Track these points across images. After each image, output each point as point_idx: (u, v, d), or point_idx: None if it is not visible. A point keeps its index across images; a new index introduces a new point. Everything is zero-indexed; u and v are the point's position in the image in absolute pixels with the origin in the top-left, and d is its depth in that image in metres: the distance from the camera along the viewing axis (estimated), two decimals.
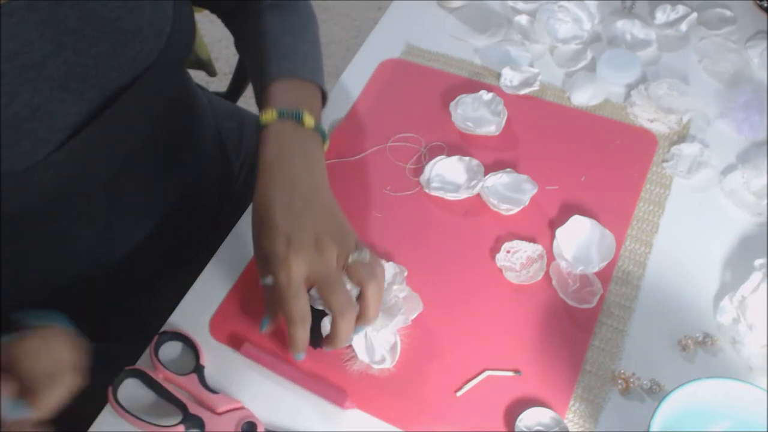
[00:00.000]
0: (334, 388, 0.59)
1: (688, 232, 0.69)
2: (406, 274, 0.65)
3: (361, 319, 0.58)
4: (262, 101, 0.67)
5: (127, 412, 0.58)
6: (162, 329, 0.64)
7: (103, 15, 0.57)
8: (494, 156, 0.75)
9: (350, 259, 0.57)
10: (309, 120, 0.63)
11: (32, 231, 0.64)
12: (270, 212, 0.58)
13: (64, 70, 0.55)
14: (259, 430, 0.57)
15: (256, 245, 0.60)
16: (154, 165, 0.70)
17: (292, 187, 0.60)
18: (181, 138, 0.73)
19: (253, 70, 0.73)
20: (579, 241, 0.67)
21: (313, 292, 0.64)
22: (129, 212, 0.69)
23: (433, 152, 0.75)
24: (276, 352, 0.63)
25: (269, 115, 0.63)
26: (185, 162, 0.75)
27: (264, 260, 0.58)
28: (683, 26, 0.85)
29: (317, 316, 0.63)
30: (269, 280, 0.57)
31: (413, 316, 0.63)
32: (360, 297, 0.57)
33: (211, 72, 1.16)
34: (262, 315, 0.65)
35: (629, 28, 0.85)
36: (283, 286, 0.55)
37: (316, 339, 0.62)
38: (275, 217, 0.58)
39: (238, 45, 0.80)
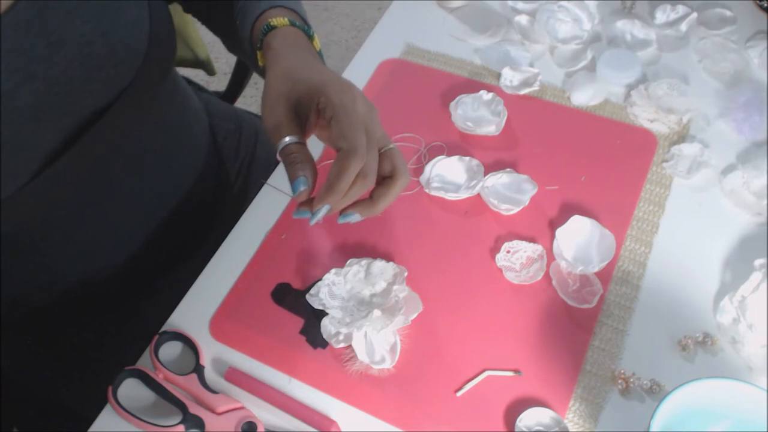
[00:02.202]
0: (320, 415, 0.59)
1: (688, 232, 0.69)
2: (406, 274, 0.65)
3: (370, 205, 0.56)
4: (257, 24, 0.63)
5: (127, 412, 0.58)
6: (162, 329, 0.64)
7: (74, 41, 0.54)
8: (494, 156, 0.75)
9: (391, 145, 0.55)
10: (317, 42, 0.62)
11: (20, 248, 0.63)
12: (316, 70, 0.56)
13: (35, 100, 0.53)
14: (259, 430, 0.57)
15: (279, 105, 0.56)
16: (143, 178, 0.68)
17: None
18: (171, 147, 0.72)
19: (241, 17, 0.68)
20: (579, 241, 0.67)
21: (313, 290, 0.64)
22: (120, 225, 0.69)
23: (433, 152, 0.75)
24: (263, 375, 0.62)
25: (280, 21, 0.60)
26: (177, 171, 0.74)
27: (291, 119, 0.55)
28: (683, 26, 0.85)
29: (317, 316, 0.63)
30: (291, 138, 0.54)
31: (413, 316, 0.63)
32: (381, 184, 0.56)
33: (210, 71, 1.16)
34: (261, 315, 0.65)
35: (629, 28, 0.85)
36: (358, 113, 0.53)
37: (317, 339, 0.63)
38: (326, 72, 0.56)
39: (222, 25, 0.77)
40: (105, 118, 0.57)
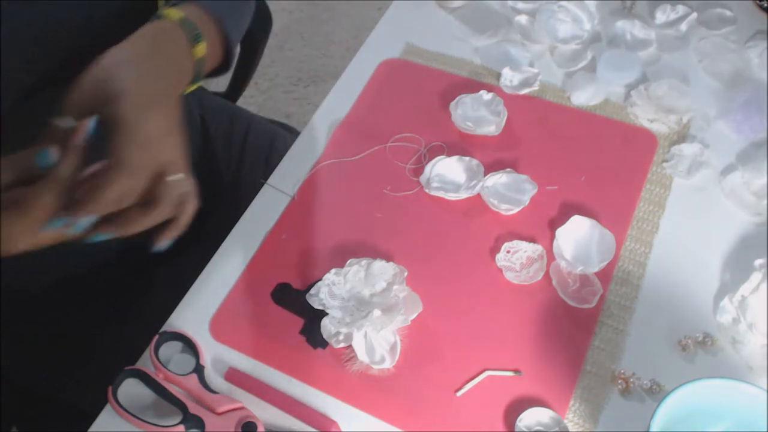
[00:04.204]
0: (320, 415, 0.59)
1: (688, 232, 0.69)
2: (406, 274, 0.65)
3: (121, 225, 0.53)
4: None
5: (127, 412, 0.58)
6: (162, 329, 0.64)
7: None
8: (494, 156, 0.75)
9: (174, 177, 0.53)
10: (201, 48, 0.59)
11: None
12: (119, 78, 0.53)
13: (33, 25, 0.54)
14: (259, 430, 0.57)
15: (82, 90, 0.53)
16: None
17: (154, 76, 0.55)
18: None
19: None
20: (579, 241, 0.67)
21: (313, 290, 0.64)
22: None
23: (433, 152, 0.75)
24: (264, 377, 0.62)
25: (174, 13, 0.58)
26: None
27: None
28: (683, 26, 0.85)
29: (317, 316, 0.63)
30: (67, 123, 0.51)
31: (413, 316, 0.63)
32: (141, 206, 0.53)
33: None
34: (261, 315, 0.65)
35: (629, 28, 0.85)
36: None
37: (317, 339, 0.63)
38: (125, 85, 0.52)
39: None
40: (88, 55, 0.56)
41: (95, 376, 0.65)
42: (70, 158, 0.48)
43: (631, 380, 0.59)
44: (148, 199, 0.53)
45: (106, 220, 0.53)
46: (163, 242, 0.56)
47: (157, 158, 0.53)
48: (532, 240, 0.68)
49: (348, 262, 0.66)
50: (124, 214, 0.53)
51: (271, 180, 0.75)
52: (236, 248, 0.70)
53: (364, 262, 0.65)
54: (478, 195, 0.71)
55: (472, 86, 0.81)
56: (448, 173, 0.73)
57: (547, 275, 0.66)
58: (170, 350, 0.63)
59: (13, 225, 0.47)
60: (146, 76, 0.54)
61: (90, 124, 0.49)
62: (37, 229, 0.48)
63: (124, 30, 0.60)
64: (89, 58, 0.58)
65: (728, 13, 0.86)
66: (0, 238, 0.47)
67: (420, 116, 0.79)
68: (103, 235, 0.54)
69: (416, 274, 0.66)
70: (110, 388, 0.58)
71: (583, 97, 0.79)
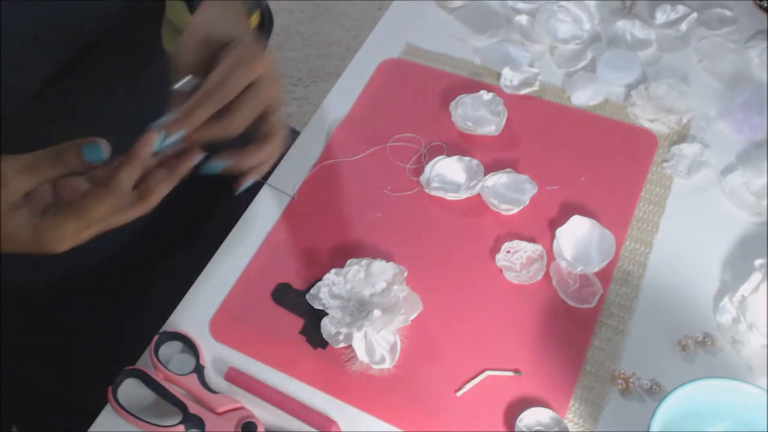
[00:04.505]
0: (320, 416, 0.59)
1: (688, 232, 0.69)
2: (406, 274, 0.65)
3: (239, 156, 0.55)
4: None
5: (127, 412, 0.58)
6: (162, 329, 0.64)
7: None
8: (494, 156, 0.75)
9: (281, 118, 0.56)
10: (254, 19, 0.65)
11: None
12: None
13: (34, 24, 0.53)
14: (259, 430, 0.57)
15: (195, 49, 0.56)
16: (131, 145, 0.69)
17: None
18: (160, 112, 0.72)
19: None
20: (579, 241, 0.67)
21: (313, 290, 0.64)
22: None
23: (433, 152, 0.75)
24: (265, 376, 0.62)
25: None
26: None
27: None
28: (683, 26, 0.85)
29: (317, 316, 0.63)
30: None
31: (413, 316, 0.63)
32: (255, 142, 0.56)
33: None
34: (261, 315, 0.65)
35: (629, 28, 0.85)
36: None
37: (317, 339, 0.63)
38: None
39: None
40: (96, 51, 0.58)
41: (95, 375, 0.65)
42: (132, 169, 0.46)
43: (631, 380, 0.59)
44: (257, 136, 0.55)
45: (221, 153, 0.54)
46: (246, 183, 0.57)
47: (268, 97, 0.55)
48: (532, 240, 0.68)
49: (348, 262, 0.66)
50: (246, 147, 0.55)
51: (271, 180, 0.75)
52: (236, 248, 0.70)
53: (364, 262, 0.65)
54: (478, 195, 0.71)
55: (472, 86, 0.81)
56: (448, 173, 0.73)
57: (547, 275, 0.66)
58: (170, 350, 0.63)
59: (62, 226, 0.46)
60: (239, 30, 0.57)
61: (159, 138, 0.48)
62: (84, 231, 0.47)
63: (124, 30, 0.60)
64: (90, 59, 0.58)
65: (728, 13, 0.86)
66: (46, 240, 0.46)
67: (420, 116, 0.79)
68: (218, 164, 0.55)
69: (416, 274, 0.66)
70: (110, 388, 0.58)
71: (583, 97, 0.79)
